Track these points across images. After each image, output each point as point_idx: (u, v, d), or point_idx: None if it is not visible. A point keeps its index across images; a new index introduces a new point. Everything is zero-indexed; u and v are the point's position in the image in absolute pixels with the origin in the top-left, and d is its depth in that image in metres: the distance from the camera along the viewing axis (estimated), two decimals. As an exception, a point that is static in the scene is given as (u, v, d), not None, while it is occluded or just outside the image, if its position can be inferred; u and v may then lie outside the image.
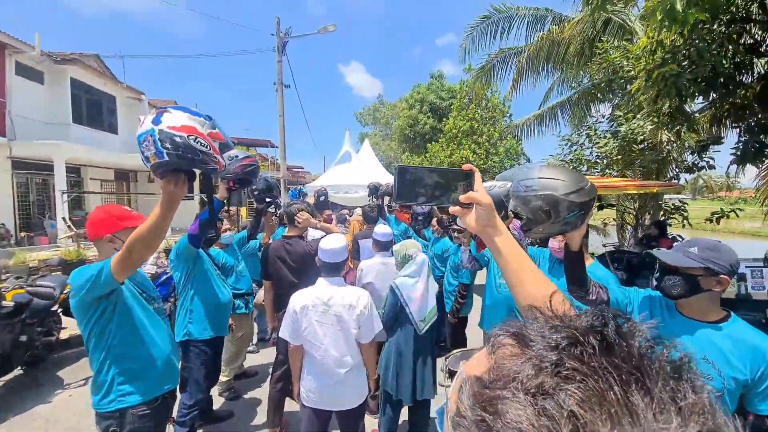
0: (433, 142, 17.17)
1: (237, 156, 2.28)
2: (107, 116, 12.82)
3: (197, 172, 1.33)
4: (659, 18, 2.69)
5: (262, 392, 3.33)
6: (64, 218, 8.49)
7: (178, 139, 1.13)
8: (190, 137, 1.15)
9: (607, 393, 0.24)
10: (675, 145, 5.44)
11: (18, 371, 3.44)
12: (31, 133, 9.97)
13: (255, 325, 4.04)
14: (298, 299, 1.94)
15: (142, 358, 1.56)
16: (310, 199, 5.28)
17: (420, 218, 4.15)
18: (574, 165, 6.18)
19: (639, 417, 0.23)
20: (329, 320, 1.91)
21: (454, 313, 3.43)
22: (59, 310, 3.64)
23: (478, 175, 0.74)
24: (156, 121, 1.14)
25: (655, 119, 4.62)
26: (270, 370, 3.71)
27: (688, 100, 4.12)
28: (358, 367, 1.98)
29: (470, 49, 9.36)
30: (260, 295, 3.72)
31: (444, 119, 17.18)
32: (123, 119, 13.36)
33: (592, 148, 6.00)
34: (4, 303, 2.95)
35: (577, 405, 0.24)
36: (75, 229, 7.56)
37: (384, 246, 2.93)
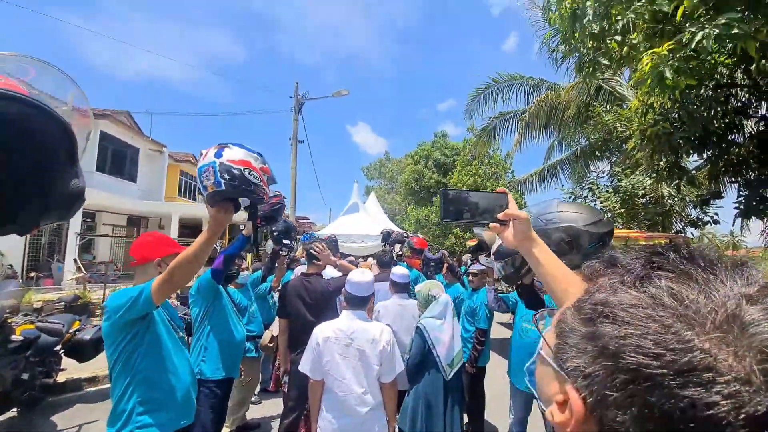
0: (438, 196, 17.68)
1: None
2: (129, 166, 13.52)
3: (242, 203, 1.46)
4: (649, 85, 2.99)
5: (264, 447, 3.11)
6: (75, 259, 8.56)
7: (235, 171, 1.28)
8: (246, 170, 1.30)
9: (692, 274, 0.32)
10: (676, 199, 5.61)
11: (13, 412, 3.27)
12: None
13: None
14: (321, 331, 1.93)
15: (165, 387, 1.53)
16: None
17: (432, 264, 4.18)
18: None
19: (717, 285, 0.31)
20: (352, 354, 1.87)
21: (472, 362, 3.26)
22: (61, 351, 3.55)
23: (511, 197, 0.84)
24: (218, 155, 1.29)
25: (654, 175, 4.85)
26: (273, 424, 3.50)
27: (683, 156, 4.37)
28: (379, 408, 1.89)
29: (473, 112, 10.29)
30: (266, 336, 3.64)
31: (448, 174, 17.87)
32: (143, 168, 14.07)
33: (595, 201, 6.18)
34: (13, 337, 2.91)
35: (671, 282, 0.32)
36: (84, 271, 7.59)
37: (402, 288, 2.92)
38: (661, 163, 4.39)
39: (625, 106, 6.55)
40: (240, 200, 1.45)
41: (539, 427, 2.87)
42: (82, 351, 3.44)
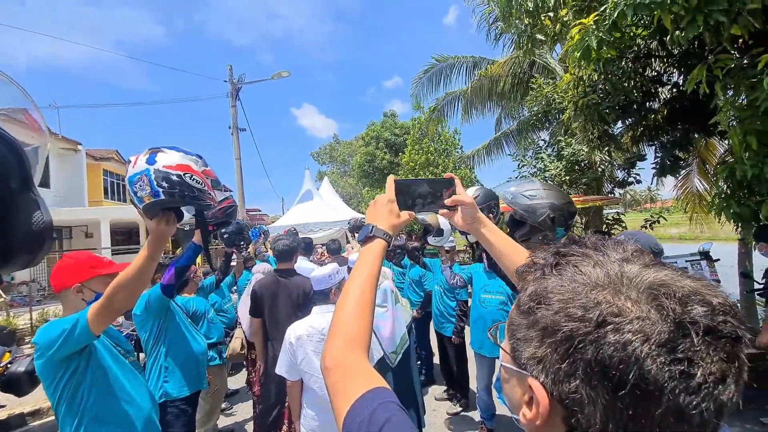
0: (392, 175, 17.82)
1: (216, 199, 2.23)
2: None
3: (184, 210, 1.33)
4: (577, 56, 3.18)
5: (241, 453, 3.04)
6: (-14, 285, 7.43)
7: (174, 178, 1.14)
8: (186, 175, 1.17)
9: (589, 254, 0.41)
10: (608, 164, 6.17)
11: None
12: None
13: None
14: (292, 331, 1.92)
15: (120, 420, 1.40)
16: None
17: (398, 251, 4.23)
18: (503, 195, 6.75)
19: (604, 258, 0.40)
20: None
21: (458, 333, 3.45)
22: (-9, 389, 3.11)
23: (458, 181, 0.86)
24: (150, 161, 1.15)
25: (589, 142, 5.27)
26: (246, 428, 3.42)
27: (611, 124, 4.78)
28: None
29: (419, 95, 10.45)
30: (236, 345, 3.50)
31: (400, 153, 17.98)
32: (57, 172, 12.38)
33: (543, 169, 6.60)
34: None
35: (576, 264, 0.40)
36: (3, 295, 6.63)
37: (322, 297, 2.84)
38: (594, 132, 4.76)
39: (557, 79, 6.97)
40: (183, 209, 1.32)
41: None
42: (18, 385, 3.03)
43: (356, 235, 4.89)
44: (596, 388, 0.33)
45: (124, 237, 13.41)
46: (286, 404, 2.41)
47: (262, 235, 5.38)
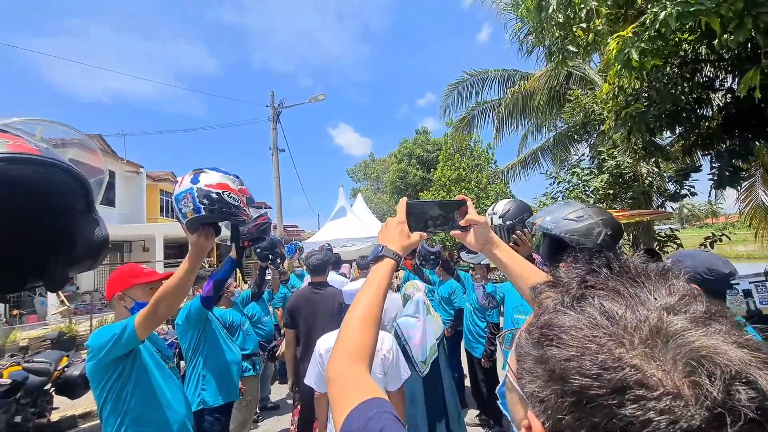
0: (424, 191, 17.76)
1: (252, 216, 2.37)
2: (106, 191, 13.16)
3: (221, 226, 1.44)
4: (617, 68, 3.06)
5: (271, 466, 3.07)
6: (58, 293, 8.27)
7: (214, 195, 1.25)
8: (224, 193, 1.27)
9: (620, 290, 0.34)
10: (656, 176, 5.76)
11: None
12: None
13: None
14: (323, 343, 1.95)
15: (159, 423, 1.49)
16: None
17: (432, 257, 4.15)
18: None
19: (643, 298, 0.33)
20: None
21: (489, 357, 3.30)
22: (52, 389, 3.42)
23: (470, 202, 0.86)
24: (194, 181, 1.27)
25: (632, 154, 4.97)
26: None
27: (657, 134, 4.49)
28: None
29: (449, 108, 10.45)
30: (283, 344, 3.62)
31: (432, 170, 17.98)
32: (121, 192, 13.71)
33: (579, 184, 6.30)
34: (1, 381, 2.79)
35: (603, 300, 0.34)
36: (68, 304, 7.34)
37: None
38: (638, 142, 4.50)
39: (596, 89, 6.70)
40: (221, 224, 1.42)
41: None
42: (73, 388, 3.33)
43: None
44: None
45: (176, 251, 14.41)
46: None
47: (297, 251, 5.58)
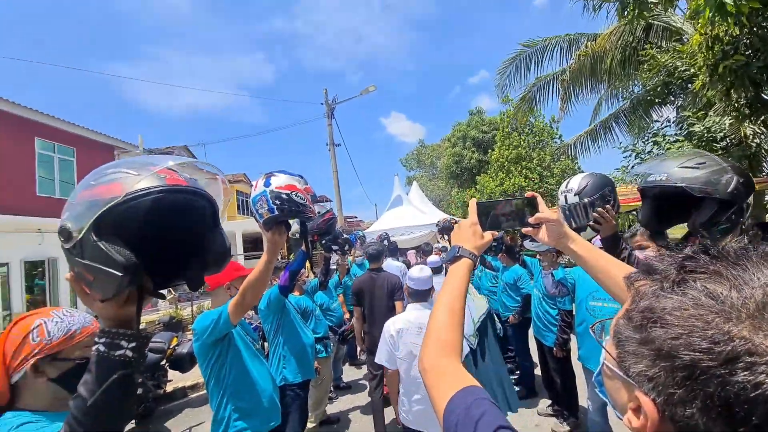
0: (481, 174, 17.08)
1: (320, 212, 2.56)
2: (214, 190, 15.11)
3: (292, 223, 1.59)
4: (709, 15, 2.61)
5: (347, 439, 3.35)
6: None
7: (284, 196, 1.40)
8: (293, 193, 1.42)
9: (722, 272, 0.36)
10: (762, 137, 4.85)
11: (131, 425, 3.83)
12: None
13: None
14: (392, 324, 2.12)
15: (251, 396, 1.73)
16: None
17: (494, 245, 4.07)
18: (637, 179, 5.73)
19: (746, 278, 0.34)
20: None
21: (561, 346, 3.12)
22: (166, 364, 4.08)
23: (540, 198, 0.87)
24: (267, 184, 1.43)
25: (734, 113, 4.22)
26: (351, 416, 3.74)
27: (764, 88, 3.76)
28: None
29: (505, 86, 9.57)
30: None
31: (489, 151, 17.15)
32: (225, 190, 15.62)
33: (662, 154, 5.56)
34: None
35: (705, 282, 0.35)
36: (174, 292, 8.59)
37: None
38: (741, 99, 3.82)
39: (685, 40, 5.75)
40: (291, 221, 1.58)
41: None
42: (182, 363, 3.94)
43: (445, 236, 4.92)
44: (715, 420, 0.32)
45: (251, 245, 15.93)
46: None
47: (359, 240, 5.85)
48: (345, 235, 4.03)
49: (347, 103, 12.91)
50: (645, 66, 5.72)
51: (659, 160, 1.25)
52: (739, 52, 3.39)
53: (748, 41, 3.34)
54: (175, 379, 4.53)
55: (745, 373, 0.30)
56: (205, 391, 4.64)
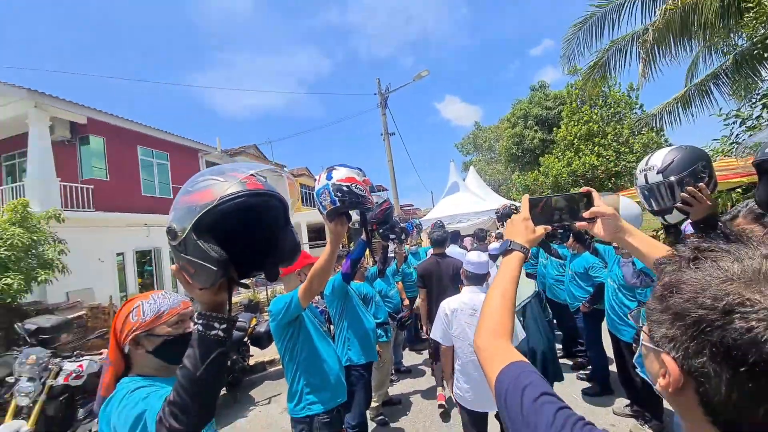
0: (545, 155, 15.83)
1: (377, 202, 2.66)
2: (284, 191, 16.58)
3: (353, 215, 1.69)
4: None
5: (407, 420, 3.48)
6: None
7: (345, 188, 1.50)
8: (353, 186, 1.52)
9: (730, 251, 0.43)
10: None
11: (222, 392, 4.42)
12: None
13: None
14: (448, 304, 2.29)
15: (321, 372, 1.90)
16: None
17: (560, 232, 3.86)
18: (754, 149, 4.83)
19: (748, 253, 0.42)
20: (476, 321, 2.08)
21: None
22: (248, 341, 4.60)
23: (595, 193, 0.89)
24: (329, 177, 1.54)
25: None
26: (411, 399, 3.87)
27: None
28: None
29: (573, 54, 8.47)
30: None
31: (555, 129, 15.76)
32: (274, 188, 16.95)
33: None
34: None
35: (715, 259, 0.43)
36: (251, 277, 9.56)
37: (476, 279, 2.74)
38: None
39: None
40: (351, 212, 1.67)
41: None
42: (260, 341, 4.40)
43: (504, 223, 4.74)
44: (721, 364, 0.39)
45: (315, 234, 16.98)
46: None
47: (415, 228, 5.89)
48: (401, 224, 4.11)
49: (400, 91, 12.84)
50: (751, 14, 4.76)
51: None
52: None
53: None
54: (256, 355, 5.10)
55: (741, 321, 0.38)
56: (281, 366, 5.16)
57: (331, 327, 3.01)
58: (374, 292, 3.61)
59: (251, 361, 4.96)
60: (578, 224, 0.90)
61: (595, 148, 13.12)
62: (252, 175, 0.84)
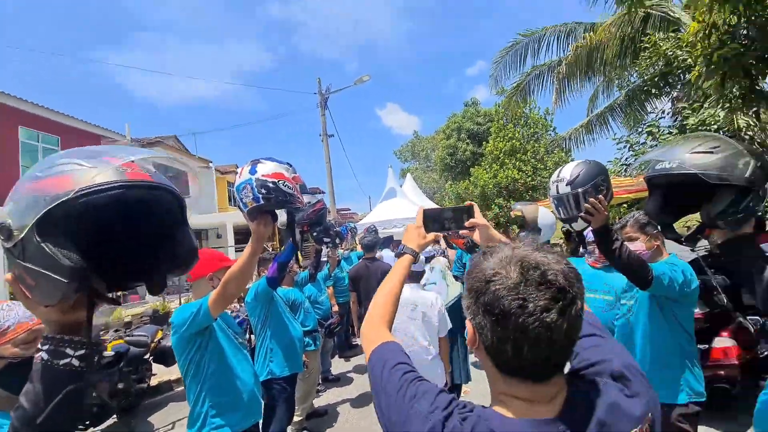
0: (475, 166, 17.00)
1: (310, 202, 2.47)
2: (182, 184, 14.71)
3: (279, 215, 1.50)
4: (707, 1, 2.54)
5: (334, 432, 3.31)
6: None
7: (270, 185, 1.32)
8: (280, 182, 1.34)
9: (495, 249, 0.63)
10: (756, 129, 4.83)
11: (113, 419, 3.67)
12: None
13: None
14: None
15: (232, 390, 1.65)
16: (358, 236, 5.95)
17: (470, 243, 4.08)
18: (643, 168, 5.72)
19: (504, 250, 0.61)
20: (417, 316, 2.43)
21: None
22: (150, 358, 3.99)
23: (476, 207, 1.08)
24: (252, 172, 1.34)
25: (727, 105, 4.18)
26: (338, 409, 3.70)
27: (758, 79, 3.72)
28: (438, 357, 2.48)
29: (501, 76, 9.44)
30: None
31: (484, 143, 17.04)
32: (193, 184, 15.16)
33: (656, 146, 5.54)
34: (105, 353, 3.30)
35: (488, 255, 0.62)
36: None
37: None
38: (734, 90, 3.77)
39: (681, 32, 5.68)
40: (277, 211, 1.49)
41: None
42: (165, 357, 3.85)
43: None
44: (485, 317, 0.56)
45: (243, 237, 15.78)
46: None
47: (350, 232, 5.77)
48: (336, 228, 3.95)
49: (342, 94, 12.70)
50: (646, 54, 5.62)
51: (668, 146, 1.14)
52: (735, 42, 3.33)
53: (745, 31, 3.28)
54: (160, 373, 4.45)
55: (495, 286, 0.55)
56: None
57: (253, 338, 2.73)
58: (303, 298, 3.38)
59: (154, 381, 4.31)
60: (461, 231, 1.09)
61: (517, 163, 14.46)
62: (134, 161, 0.65)
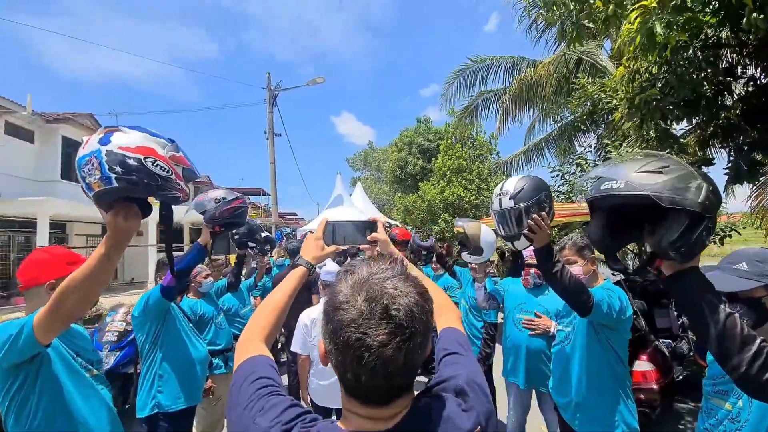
0: (424, 181, 17.40)
1: (225, 198, 2.04)
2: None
3: (153, 204, 1.13)
4: (639, 42, 2.73)
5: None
6: None
7: (131, 162, 0.94)
8: (147, 160, 0.97)
9: (354, 270, 0.65)
10: (666, 169, 5.46)
11: None
12: (18, 190, 9.83)
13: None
14: (307, 315, 2.39)
15: (74, 442, 1.22)
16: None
17: (424, 253, 3.94)
18: (570, 196, 6.14)
19: (362, 271, 0.64)
20: None
21: (484, 360, 2.91)
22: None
23: (380, 222, 1.11)
24: (104, 141, 0.95)
25: (644, 145, 4.64)
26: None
27: (673, 123, 4.17)
28: None
29: (451, 97, 9.97)
30: None
31: (433, 159, 17.53)
32: (113, 173, 13.38)
33: (583, 176, 6.00)
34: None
35: (347, 275, 0.64)
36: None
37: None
38: (651, 132, 4.19)
39: (607, 78, 6.32)
40: (150, 200, 1.13)
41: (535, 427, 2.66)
42: None
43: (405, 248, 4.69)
44: (331, 342, 0.60)
45: (174, 234, 14.19)
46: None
47: (285, 237, 5.34)
48: (266, 233, 3.55)
49: (298, 97, 12.26)
50: (576, 94, 6.15)
51: (611, 164, 1.03)
52: (655, 88, 3.69)
53: (665, 79, 3.64)
54: None
55: (341, 312, 0.58)
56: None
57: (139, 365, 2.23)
58: (216, 312, 2.92)
59: None
60: (362, 246, 1.08)
61: (463, 182, 15.05)
62: None
